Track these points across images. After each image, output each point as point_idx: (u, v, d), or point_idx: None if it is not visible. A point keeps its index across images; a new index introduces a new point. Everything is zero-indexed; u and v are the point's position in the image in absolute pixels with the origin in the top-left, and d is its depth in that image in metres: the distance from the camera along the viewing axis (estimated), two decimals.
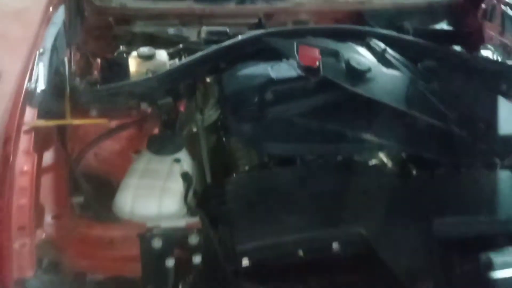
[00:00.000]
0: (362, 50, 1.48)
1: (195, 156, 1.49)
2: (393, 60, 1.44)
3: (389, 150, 1.30)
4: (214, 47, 1.51)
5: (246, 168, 1.40)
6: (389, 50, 1.49)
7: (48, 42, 1.52)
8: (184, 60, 1.53)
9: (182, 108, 1.49)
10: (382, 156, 1.34)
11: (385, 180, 1.20)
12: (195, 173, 1.28)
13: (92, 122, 1.29)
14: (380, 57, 1.46)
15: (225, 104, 1.44)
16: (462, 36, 1.84)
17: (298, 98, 1.29)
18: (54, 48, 1.50)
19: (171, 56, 1.68)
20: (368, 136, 1.22)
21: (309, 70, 1.32)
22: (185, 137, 1.51)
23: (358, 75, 1.31)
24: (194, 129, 1.53)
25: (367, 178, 1.19)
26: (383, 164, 1.33)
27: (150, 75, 1.47)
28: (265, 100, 1.27)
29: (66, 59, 1.53)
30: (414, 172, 1.26)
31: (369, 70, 1.32)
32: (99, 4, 1.80)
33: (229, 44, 1.50)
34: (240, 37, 1.51)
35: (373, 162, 1.32)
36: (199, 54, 1.49)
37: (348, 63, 1.33)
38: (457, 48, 1.70)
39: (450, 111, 1.24)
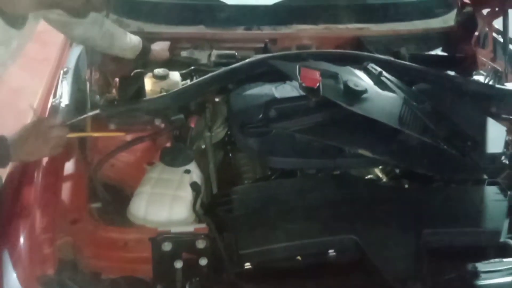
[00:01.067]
0: (360, 73, 1.59)
1: (203, 171, 1.60)
2: (388, 83, 1.54)
3: (384, 166, 1.40)
4: (222, 69, 1.63)
5: (251, 181, 1.51)
6: (385, 73, 1.60)
7: (71, 63, 1.65)
8: (195, 80, 1.65)
9: (192, 124, 1.61)
10: (377, 171, 1.44)
11: (378, 192, 1.29)
12: (203, 183, 1.38)
13: (110, 135, 1.40)
14: (377, 79, 1.57)
15: (232, 121, 1.55)
16: (456, 62, 1.95)
17: (300, 116, 1.39)
18: (76, 68, 1.63)
19: (184, 77, 1.81)
20: (363, 152, 1.32)
21: (310, 90, 1.42)
22: (195, 152, 1.62)
23: (355, 95, 1.41)
24: (203, 146, 1.65)
25: (362, 191, 1.28)
26: (378, 178, 1.43)
27: (164, 93, 1.60)
28: (269, 117, 1.38)
29: (87, 78, 1.67)
30: (407, 186, 1.35)
31: (365, 91, 1.41)
32: None
33: (236, 67, 1.61)
34: (246, 60, 1.63)
35: (368, 176, 1.42)
36: (208, 75, 1.61)
37: (346, 85, 1.42)
38: (451, 72, 1.81)
39: (440, 130, 1.33)
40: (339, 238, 1.16)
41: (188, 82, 1.77)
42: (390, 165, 1.41)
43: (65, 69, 1.60)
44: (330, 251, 1.14)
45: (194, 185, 1.30)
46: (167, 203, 1.24)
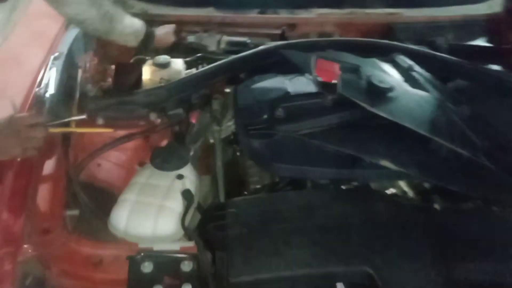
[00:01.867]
0: (387, 67, 1.37)
1: (210, 170, 1.43)
2: (420, 79, 1.32)
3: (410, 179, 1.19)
4: (226, 59, 1.44)
5: (257, 186, 1.33)
6: (416, 67, 1.37)
7: (64, 46, 1.50)
8: (197, 70, 1.47)
9: (193, 120, 1.43)
10: (403, 184, 1.23)
11: (401, 213, 1.08)
12: (198, 191, 1.21)
13: (96, 131, 1.24)
14: (406, 74, 1.35)
15: (237, 117, 1.37)
16: (502, 54, 1.68)
17: (312, 116, 1.19)
18: (70, 53, 1.48)
19: (189, 65, 1.63)
20: (386, 163, 1.11)
21: (326, 86, 1.23)
22: (199, 149, 1.45)
23: (379, 94, 1.20)
24: (212, 141, 1.47)
25: (381, 209, 1.08)
26: (402, 193, 1.22)
27: (163, 83, 1.43)
28: (275, 117, 1.19)
29: (80, 64, 1.51)
30: (437, 205, 1.13)
31: (391, 89, 1.21)
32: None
33: (242, 56, 1.43)
34: (255, 49, 1.43)
35: (391, 191, 1.21)
36: (211, 65, 1.43)
37: (369, 81, 1.22)
38: (496, 67, 1.56)
39: (480, 140, 1.11)
40: (350, 270, 0.96)
41: (193, 71, 1.60)
42: (417, 179, 1.19)
43: (56, 54, 1.45)
44: (338, 284, 0.95)
45: (185, 194, 1.13)
46: (151, 214, 1.07)
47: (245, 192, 1.33)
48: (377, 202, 1.09)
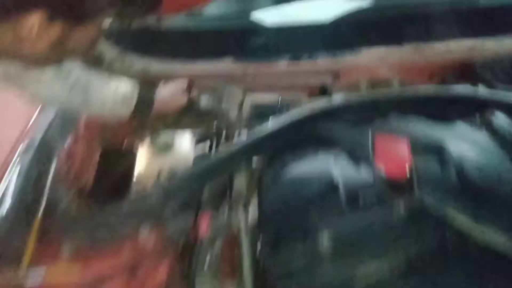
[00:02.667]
0: (479, 136, 0.91)
1: (237, 269, 1.02)
2: None
3: None
4: (249, 139, 1.04)
5: None
6: None
7: (38, 133, 1.16)
8: (203, 163, 1.07)
9: (204, 228, 1.03)
10: None
11: None
12: None
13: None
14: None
15: (262, 228, 0.95)
16: None
17: (376, 245, 0.75)
18: (43, 141, 1.13)
19: (202, 138, 1.26)
20: None
21: (394, 186, 0.79)
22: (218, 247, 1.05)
23: (481, 193, 0.75)
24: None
25: None
26: None
27: (162, 176, 1.06)
28: (317, 251, 0.75)
29: (56, 155, 1.15)
30: None
31: (499, 183, 0.75)
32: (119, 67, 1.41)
33: (270, 133, 1.03)
34: (284, 122, 1.03)
35: None
36: (228, 150, 1.04)
37: (461, 170, 0.78)
38: None
39: None
40: None
41: (206, 147, 1.23)
42: None
43: (24, 147, 1.10)
44: None
45: None
46: None
47: None
48: None
